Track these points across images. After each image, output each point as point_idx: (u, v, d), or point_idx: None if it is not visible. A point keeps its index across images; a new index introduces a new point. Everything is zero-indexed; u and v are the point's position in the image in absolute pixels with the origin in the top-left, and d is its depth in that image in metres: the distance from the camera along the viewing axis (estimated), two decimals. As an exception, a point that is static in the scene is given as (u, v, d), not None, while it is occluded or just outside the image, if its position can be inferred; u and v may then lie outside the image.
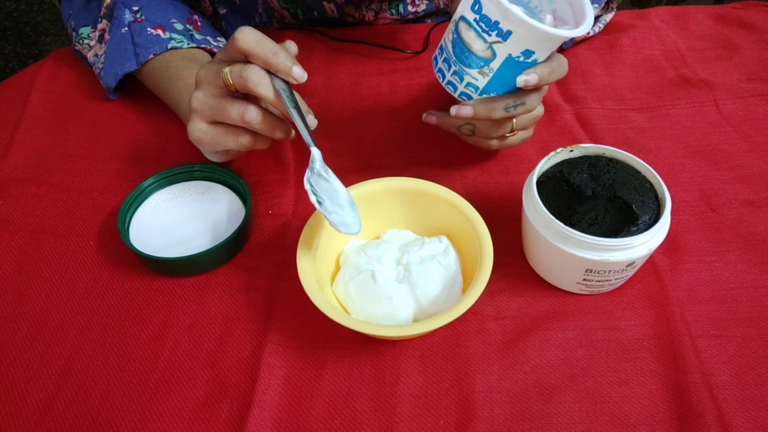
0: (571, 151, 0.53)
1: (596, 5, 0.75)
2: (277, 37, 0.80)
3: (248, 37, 0.49)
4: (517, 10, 0.46)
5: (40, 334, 0.52)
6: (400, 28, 0.81)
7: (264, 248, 0.58)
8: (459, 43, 0.51)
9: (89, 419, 0.47)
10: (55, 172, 0.66)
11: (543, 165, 0.52)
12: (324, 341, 0.51)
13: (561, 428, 0.45)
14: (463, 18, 0.50)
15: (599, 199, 0.50)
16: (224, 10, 0.81)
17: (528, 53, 0.49)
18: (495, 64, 0.50)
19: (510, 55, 0.49)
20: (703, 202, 0.60)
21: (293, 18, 0.81)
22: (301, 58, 0.78)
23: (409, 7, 0.80)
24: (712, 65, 0.75)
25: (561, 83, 0.74)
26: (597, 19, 0.79)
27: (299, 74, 0.50)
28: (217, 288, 0.55)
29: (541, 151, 0.65)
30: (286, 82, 0.51)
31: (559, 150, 0.53)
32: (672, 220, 0.50)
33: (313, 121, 0.53)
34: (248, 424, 0.45)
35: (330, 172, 0.51)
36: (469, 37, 0.50)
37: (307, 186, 0.49)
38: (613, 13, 0.80)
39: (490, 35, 0.48)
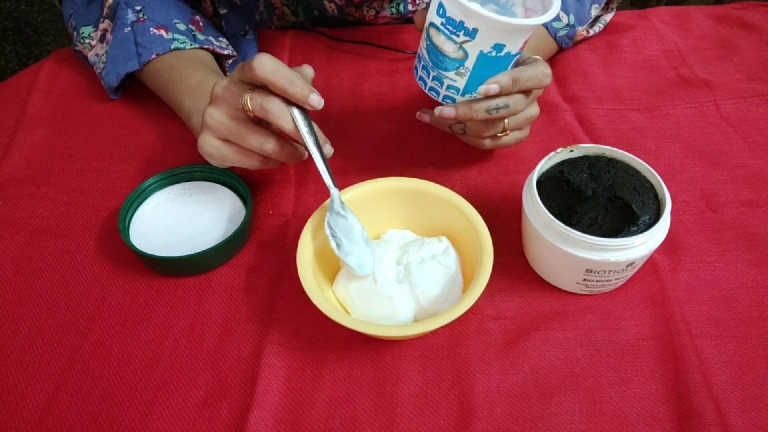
0: (571, 151, 0.53)
1: (596, 5, 0.75)
2: (277, 38, 0.81)
3: (265, 66, 0.48)
4: (476, 6, 0.47)
5: (40, 334, 0.52)
6: (400, 28, 0.81)
7: (264, 248, 0.58)
8: (432, 48, 0.52)
9: (89, 419, 0.47)
10: (56, 172, 0.66)
11: (543, 165, 0.52)
12: (324, 341, 0.51)
13: (561, 428, 0.45)
14: (431, 24, 0.51)
15: (599, 199, 0.50)
16: (224, 10, 0.81)
17: (499, 47, 0.49)
18: (469, 63, 0.51)
19: (481, 51, 0.50)
20: (703, 202, 0.60)
21: (294, 15, 0.81)
22: (302, 58, 0.78)
23: (410, 6, 0.80)
24: (712, 65, 0.75)
25: (561, 83, 0.74)
26: (597, 19, 0.79)
27: (316, 101, 0.50)
28: (217, 288, 0.55)
29: (541, 151, 0.65)
30: (304, 110, 0.51)
31: (559, 150, 0.53)
32: (672, 220, 0.50)
33: (329, 150, 0.54)
34: (248, 424, 0.45)
35: (347, 209, 0.51)
36: (440, 40, 0.51)
37: (327, 231, 0.50)
38: (613, 13, 0.80)
39: (458, 36, 0.49)
